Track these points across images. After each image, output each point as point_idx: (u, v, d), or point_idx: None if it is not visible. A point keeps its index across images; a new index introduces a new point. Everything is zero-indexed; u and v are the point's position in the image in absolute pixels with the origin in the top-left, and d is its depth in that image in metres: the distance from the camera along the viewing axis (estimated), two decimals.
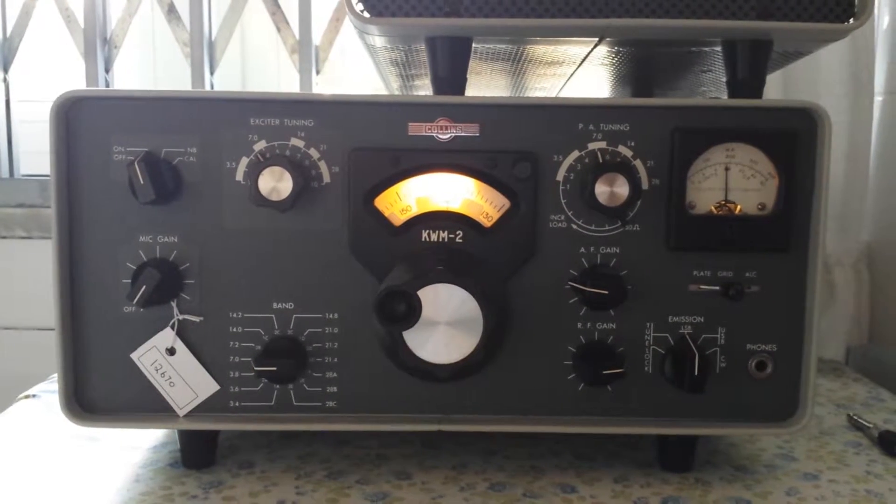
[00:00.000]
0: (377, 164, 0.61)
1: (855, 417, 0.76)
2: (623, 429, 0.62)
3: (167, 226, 0.61)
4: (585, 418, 0.62)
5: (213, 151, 0.60)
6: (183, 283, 0.61)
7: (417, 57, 0.72)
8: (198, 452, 0.65)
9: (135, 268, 0.60)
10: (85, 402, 0.62)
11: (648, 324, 0.62)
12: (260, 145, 0.60)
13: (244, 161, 0.60)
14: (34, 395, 0.81)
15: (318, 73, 1.44)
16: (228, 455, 0.67)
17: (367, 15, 0.58)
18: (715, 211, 0.61)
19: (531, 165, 0.60)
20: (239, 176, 0.61)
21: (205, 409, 0.62)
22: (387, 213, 0.61)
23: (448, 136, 0.61)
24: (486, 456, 0.67)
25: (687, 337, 0.61)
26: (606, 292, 0.59)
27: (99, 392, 0.62)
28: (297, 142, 0.60)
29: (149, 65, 1.55)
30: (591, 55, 0.71)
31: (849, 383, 0.91)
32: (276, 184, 0.58)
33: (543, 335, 0.62)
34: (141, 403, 0.62)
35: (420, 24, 0.59)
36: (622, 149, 0.61)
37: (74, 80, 1.41)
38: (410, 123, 0.61)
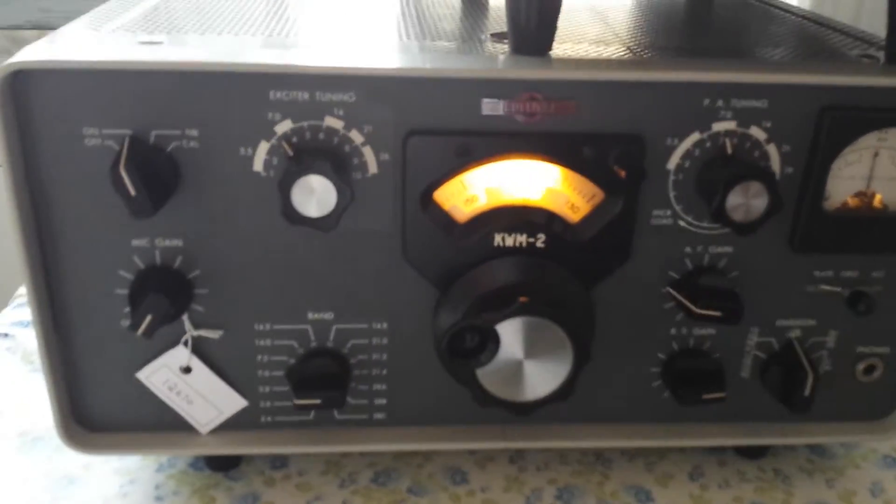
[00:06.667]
0: (441, 151, 0.46)
1: None
2: (715, 440, 0.55)
3: (167, 227, 0.47)
4: (671, 427, 0.55)
5: (220, 135, 0.45)
6: (193, 294, 0.49)
7: None
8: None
9: (131, 277, 0.48)
10: (86, 423, 0.52)
11: (752, 328, 0.53)
12: (283, 126, 0.45)
13: (263, 147, 0.45)
14: None
15: None
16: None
17: None
18: (851, 203, 0.50)
19: (637, 151, 0.47)
20: (258, 166, 0.46)
21: (232, 426, 0.53)
22: (447, 207, 0.48)
23: (534, 116, 0.46)
24: (544, 451, 0.60)
25: (795, 343, 0.53)
26: (720, 314, 0.49)
27: (100, 414, 0.52)
28: (333, 122, 0.45)
29: None
30: None
31: None
32: (315, 196, 0.44)
33: (631, 342, 0.52)
34: (153, 422, 0.52)
35: None
36: (755, 131, 0.47)
37: None
38: (485, 101, 0.46)
